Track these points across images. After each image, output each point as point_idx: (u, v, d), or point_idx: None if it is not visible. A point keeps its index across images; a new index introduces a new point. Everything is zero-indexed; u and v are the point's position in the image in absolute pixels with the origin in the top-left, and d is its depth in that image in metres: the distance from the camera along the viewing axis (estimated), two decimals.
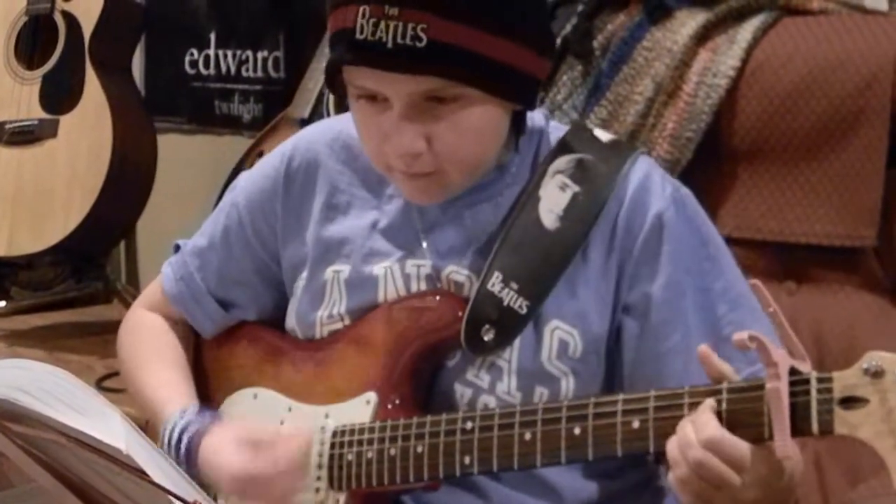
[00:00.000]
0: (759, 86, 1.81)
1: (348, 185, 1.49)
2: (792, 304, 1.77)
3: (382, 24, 1.28)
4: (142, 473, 1.02)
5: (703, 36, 1.85)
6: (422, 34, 1.28)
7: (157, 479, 1.02)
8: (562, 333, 1.39)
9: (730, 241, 1.76)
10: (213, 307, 1.57)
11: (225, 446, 1.41)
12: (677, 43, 1.84)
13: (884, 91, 1.74)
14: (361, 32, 1.29)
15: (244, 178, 1.58)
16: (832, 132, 1.76)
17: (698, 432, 1.17)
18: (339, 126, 1.53)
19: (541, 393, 1.38)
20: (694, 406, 1.20)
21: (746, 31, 1.84)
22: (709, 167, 1.82)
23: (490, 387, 1.39)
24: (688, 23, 1.86)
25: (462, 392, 1.40)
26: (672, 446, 1.20)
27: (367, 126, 1.37)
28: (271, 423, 1.47)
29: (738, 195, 1.81)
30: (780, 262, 1.80)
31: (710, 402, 1.19)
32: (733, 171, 1.82)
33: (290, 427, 1.44)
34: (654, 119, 1.82)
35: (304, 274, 1.50)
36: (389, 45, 1.28)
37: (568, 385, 1.38)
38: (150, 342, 1.61)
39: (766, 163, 1.80)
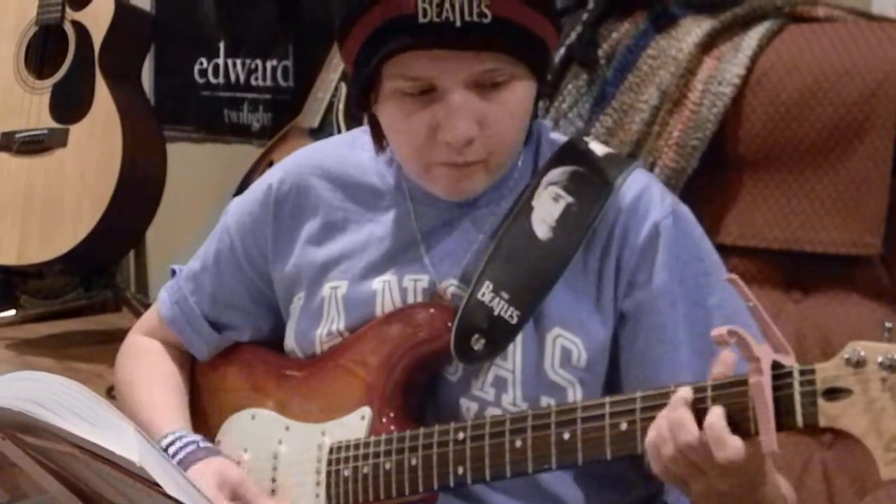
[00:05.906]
0: (764, 94, 1.79)
1: (342, 202, 1.49)
2: (798, 313, 1.76)
3: (447, 4, 1.28)
4: (155, 486, 1.03)
5: (708, 44, 1.84)
6: (486, 10, 1.28)
7: (170, 492, 1.03)
8: (564, 341, 1.39)
9: (735, 249, 1.77)
10: (208, 330, 1.58)
11: (207, 479, 1.40)
12: (682, 51, 1.83)
13: (890, 99, 1.72)
14: (425, 16, 1.29)
15: (235, 203, 1.59)
16: (838, 140, 1.75)
17: (674, 433, 1.18)
18: (321, 152, 1.55)
19: (547, 403, 1.37)
20: None
21: (752, 39, 1.83)
22: (714, 175, 1.81)
23: (496, 399, 1.39)
24: (693, 31, 1.85)
25: (468, 406, 1.40)
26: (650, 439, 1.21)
27: (409, 123, 1.35)
28: (271, 444, 1.48)
29: (743, 203, 1.80)
30: (785, 270, 1.79)
31: (683, 394, 1.19)
32: (738, 179, 1.81)
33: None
34: (659, 127, 1.82)
35: (302, 293, 1.50)
36: (458, 23, 1.28)
37: (575, 395, 1.38)
38: (146, 366, 1.61)
39: (772, 171, 1.79)
